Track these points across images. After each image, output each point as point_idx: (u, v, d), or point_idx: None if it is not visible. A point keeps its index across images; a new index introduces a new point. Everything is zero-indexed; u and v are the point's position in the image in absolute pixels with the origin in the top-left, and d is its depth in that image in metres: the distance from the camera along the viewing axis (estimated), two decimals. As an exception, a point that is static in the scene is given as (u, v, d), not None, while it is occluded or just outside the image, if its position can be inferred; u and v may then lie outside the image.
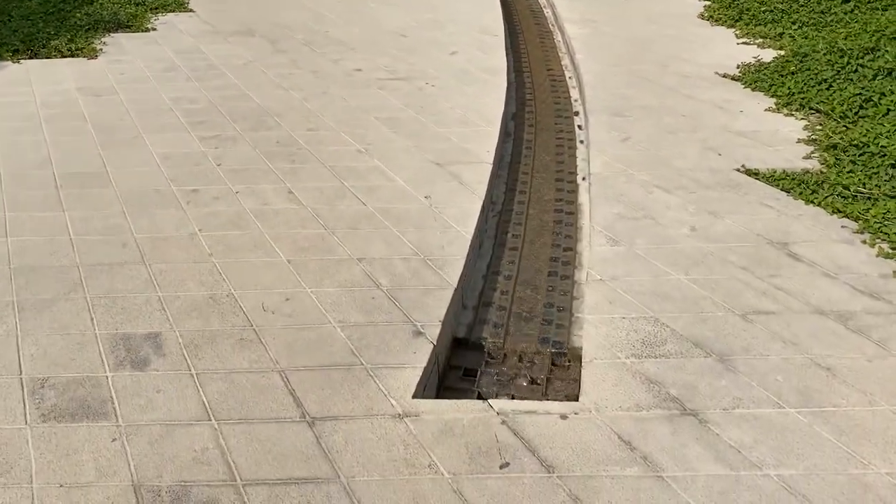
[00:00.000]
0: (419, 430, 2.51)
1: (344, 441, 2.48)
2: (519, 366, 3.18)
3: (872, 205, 3.68)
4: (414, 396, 2.67)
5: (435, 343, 2.94)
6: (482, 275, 3.78)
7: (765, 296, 3.13)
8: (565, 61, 6.97)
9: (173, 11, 8.26)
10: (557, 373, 3.13)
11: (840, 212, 3.70)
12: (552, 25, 8.12)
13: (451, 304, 3.21)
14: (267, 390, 2.72)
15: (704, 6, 7.62)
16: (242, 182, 4.33)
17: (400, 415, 2.58)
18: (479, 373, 3.13)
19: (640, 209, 3.91)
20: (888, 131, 4.17)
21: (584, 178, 4.69)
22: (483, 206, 4.07)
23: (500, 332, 3.35)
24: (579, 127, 5.52)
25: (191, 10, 8.31)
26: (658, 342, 2.89)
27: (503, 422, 2.54)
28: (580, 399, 2.63)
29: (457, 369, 3.18)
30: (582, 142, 5.26)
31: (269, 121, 5.20)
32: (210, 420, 2.60)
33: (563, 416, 2.55)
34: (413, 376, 2.75)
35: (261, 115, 5.31)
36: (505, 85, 5.80)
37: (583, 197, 4.46)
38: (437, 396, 2.97)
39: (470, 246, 3.65)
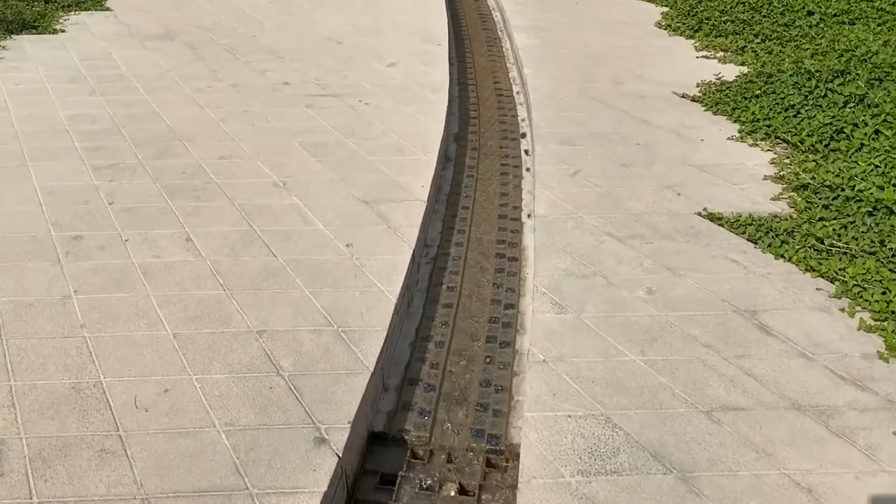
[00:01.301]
0: (309, 592, 1.99)
1: None
2: (448, 467, 2.67)
3: (850, 262, 3.26)
4: (307, 538, 2.14)
5: (340, 455, 2.41)
6: (409, 341, 3.26)
7: (733, 385, 2.67)
8: (513, 73, 6.47)
9: (88, 10, 7.53)
10: (493, 477, 2.63)
11: (814, 270, 3.27)
12: (501, 31, 7.61)
13: (365, 394, 2.68)
14: (124, 528, 2.16)
15: (662, 14, 7.18)
16: (135, 226, 3.73)
17: (287, 567, 2.05)
18: (398, 480, 2.61)
19: (590, 263, 3.43)
20: (863, 171, 3.76)
21: (529, 216, 4.20)
22: (413, 256, 3.55)
23: (426, 421, 2.84)
24: (526, 152, 5.02)
25: (108, 9, 7.59)
26: (609, 452, 2.40)
27: (416, 576, 2.03)
28: (513, 538, 2.14)
29: (372, 475, 2.65)
30: (528, 169, 4.76)
31: (178, 146, 4.59)
32: (44, 576, 2.04)
33: (492, 566, 2.05)
34: (309, 506, 2.23)
35: (169, 138, 4.69)
36: (446, 105, 5.27)
37: (527, 238, 3.96)
38: (346, 514, 2.45)
39: (394, 311, 3.12)
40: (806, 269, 3.29)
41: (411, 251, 3.53)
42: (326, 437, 2.47)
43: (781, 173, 4.08)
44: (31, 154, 4.48)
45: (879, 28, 5.84)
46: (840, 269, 3.21)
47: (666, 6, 7.39)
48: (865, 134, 4.07)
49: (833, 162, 4.00)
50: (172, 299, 3.17)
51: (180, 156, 4.47)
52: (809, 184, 3.83)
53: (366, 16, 7.46)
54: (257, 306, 3.12)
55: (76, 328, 3.00)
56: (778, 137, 4.44)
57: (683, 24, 6.71)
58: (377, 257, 3.47)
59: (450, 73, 6.05)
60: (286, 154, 4.50)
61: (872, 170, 3.75)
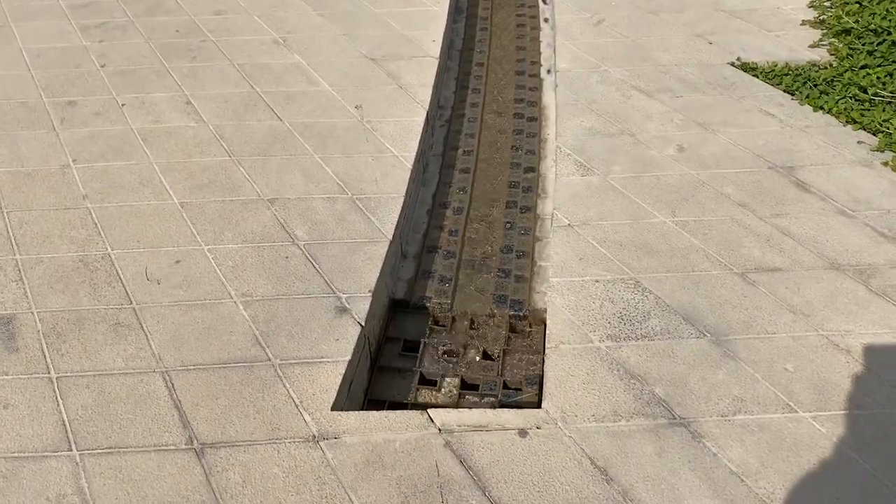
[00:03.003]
0: (339, 461, 1.96)
1: (242, 480, 1.93)
2: (470, 334, 2.61)
3: (895, 113, 3.05)
4: (334, 408, 2.10)
5: (363, 325, 2.34)
6: (427, 209, 3.12)
7: (769, 245, 2.55)
8: (527, -87, 5.93)
9: None
10: (516, 343, 2.57)
11: (855, 122, 3.06)
12: None
13: (385, 262, 2.57)
14: (146, 402, 2.12)
15: None
16: (131, 89, 3.51)
17: (315, 437, 2.02)
18: (421, 346, 2.56)
19: (617, 120, 3.22)
20: (913, 13, 3.46)
21: (549, 72, 3.94)
22: (427, 118, 3.35)
23: (447, 288, 2.75)
24: (543, 1, 4.67)
25: None
26: (639, 316, 2.32)
27: (447, 444, 1.99)
28: (543, 404, 2.09)
29: (395, 342, 2.60)
30: (546, 20, 4.44)
31: (169, 2, 4.26)
32: (71, 450, 2.01)
33: (523, 433, 2.01)
34: (334, 376, 2.17)
35: (158, -7, 4.36)
36: (455, -52, 4.85)
37: (547, 96, 3.73)
38: (370, 381, 2.42)
39: (410, 177, 2.96)
40: (847, 121, 3.09)
41: (425, 113, 3.32)
42: (348, 306, 2.38)
43: (821, 18, 3.77)
44: (12, 14, 4.18)
45: None
46: (884, 121, 3.01)
47: None
48: (916, -29, 3.72)
49: (879, 3, 3.67)
50: (176, 167, 3.01)
51: (172, 12, 4.16)
52: (853, 28, 3.54)
53: None
54: (266, 173, 2.96)
55: (78, 199, 2.87)
56: (818, -23, 4.08)
57: None
58: (389, 119, 3.27)
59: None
60: (284, 7, 4.18)
61: (923, 11, 3.45)
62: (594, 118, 3.24)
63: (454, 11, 4.51)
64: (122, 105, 3.39)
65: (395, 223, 2.73)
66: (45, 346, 2.30)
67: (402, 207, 2.83)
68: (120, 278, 2.52)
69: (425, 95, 3.44)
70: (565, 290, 2.43)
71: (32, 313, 2.41)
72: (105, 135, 3.20)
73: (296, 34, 3.92)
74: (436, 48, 3.80)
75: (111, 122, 3.29)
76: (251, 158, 3.04)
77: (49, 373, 2.22)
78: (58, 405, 2.12)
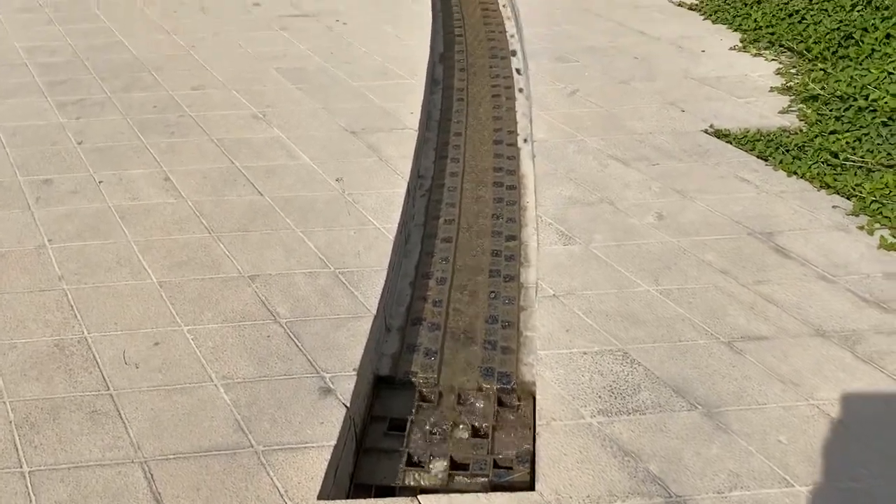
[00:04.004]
0: (327, 554, 1.88)
1: (225, 578, 1.84)
2: (458, 409, 2.56)
3: (866, 177, 3.11)
4: (320, 496, 2.02)
5: (348, 406, 2.28)
6: (410, 280, 3.10)
7: (753, 312, 2.56)
8: (498, -15, 6.11)
9: (36, -70, 6.97)
10: (505, 417, 2.52)
11: (829, 187, 3.12)
12: (482, -60, 7.17)
13: (369, 338, 2.54)
14: (124, 495, 2.03)
15: (651, -84, 6.78)
16: (108, 166, 3.49)
17: (301, 528, 1.94)
18: (408, 424, 2.50)
19: (596, 189, 3.25)
20: (876, 79, 3.57)
21: (525, 141, 4.00)
22: (408, 189, 3.36)
23: (433, 362, 2.71)
24: (517, 71, 4.77)
25: (58, -71, 7.03)
26: (630, 389, 2.29)
27: (438, 532, 1.93)
28: (537, 486, 2.03)
29: (380, 421, 2.54)
30: (521, 90, 4.53)
31: (146, 77, 4.29)
32: (43, 551, 1.91)
33: (516, 517, 1.95)
34: (319, 462, 2.10)
35: (136, 69, 4.38)
36: (430, 21, 4.97)
37: (525, 165, 3.77)
38: (356, 464, 2.34)
39: (393, 249, 2.95)
40: (821, 186, 3.15)
41: (406, 184, 3.33)
42: (332, 386, 2.33)
43: (788, 84, 3.89)
44: (-12, 92, 4.17)
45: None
46: (857, 185, 3.07)
47: None
48: (876, 39, 3.86)
49: (843, 70, 3.80)
50: (155, 245, 2.97)
51: (150, 88, 4.18)
52: (819, 94, 3.65)
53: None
54: (247, 249, 2.93)
55: (54, 280, 2.81)
56: (782, 45, 4.23)
57: (675, -74, 6.33)
58: (370, 192, 3.28)
59: (430, -12, 5.71)
60: (263, 82, 4.22)
61: (886, 77, 3.56)
62: (573, 187, 3.27)
63: (431, 83, 4.59)
64: (100, 182, 3.37)
65: (378, 297, 2.70)
66: (17, 437, 2.21)
67: (386, 280, 2.80)
68: (97, 363, 2.45)
69: (405, 167, 3.46)
70: (554, 363, 2.41)
71: (4, 402, 2.32)
72: (82, 213, 3.17)
73: (275, 108, 3.94)
74: (414, 120, 3.85)
75: (88, 200, 3.25)
76: (231, 234, 3.02)
77: (21, 467, 2.12)
78: (30, 503, 2.03)
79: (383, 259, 2.88)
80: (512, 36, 5.22)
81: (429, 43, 4.70)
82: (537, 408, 2.27)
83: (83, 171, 3.46)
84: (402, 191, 3.29)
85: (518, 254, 3.22)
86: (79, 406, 2.30)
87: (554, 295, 2.69)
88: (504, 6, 5.70)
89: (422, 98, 4.07)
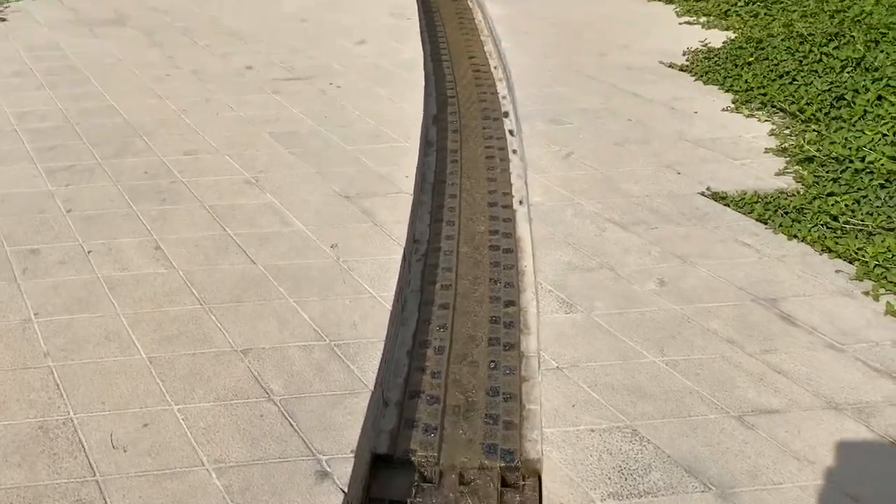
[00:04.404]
0: None
1: None
2: (460, 489, 2.46)
3: (867, 240, 3.09)
4: None
5: (346, 491, 2.18)
6: (407, 349, 3.02)
7: (762, 384, 2.49)
8: (489, 46, 6.18)
9: (30, -5, 7.04)
10: (510, 499, 2.42)
11: (831, 251, 3.09)
12: (471, 2, 7.29)
13: (366, 416, 2.44)
14: None
15: (637, -22, 6.93)
16: (97, 235, 3.42)
17: None
18: (408, 507, 2.39)
19: (595, 254, 3.21)
20: (871, 141, 3.58)
21: (521, 203, 3.97)
22: (404, 255, 3.30)
23: (433, 439, 2.61)
24: (510, 132, 4.77)
25: (51, -7, 7.11)
26: (640, 469, 2.20)
27: None
28: (547, 578, 1.93)
29: (378, 503, 2.43)
30: (515, 151, 4.52)
31: (137, 143, 4.25)
32: None
33: None
34: (316, 554, 1.99)
35: (127, 134, 4.35)
36: (423, 84, 4.99)
37: (522, 228, 3.73)
38: (354, 552, 2.23)
39: (390, 319, 2.88)
40: (822, 250, 3.11)
41: (402, 250, 3.28)
42: (329, 469, 2.23)
43: (783, 145, 3.89)
44: (-24, 158, 4.12)
45: (867, -14, 5.66)
46: (858, 249, 3.04)
47: (641, -30, 7.12)
48: (868, 100, 3.89)
49: (836, 131, 3.81)
50: (145, 318, 2.88)
51: (141, 153, 4.14)
52: (815, 156, 3.65)
53: (329, -9, 7.09)
54: (239, 321, 2.85)
55: (39, 357, 2.71)
56: (774, 106, 4.25)
57: (661, -12, 6.47)
58: (365, 259, 3.22)
59: (423, 48, 5.76)
60: (256, 146, 4.20)
61: (881, 139, 3.57)
62: (572, 252, 3.23)
63: (424, 145, 4.58)
64: (89, 252, 3.29)
65: (375, 371, 2.61)
66: (-5, 530, 2.09)
67: (383, 353, 2.72)
68: (83, 446, 2.33)
69: (401, 232, 3.41)
70: (561, 441, 2.32)
71: (-17, 492, 2.20)
72: (69, 285, 3.08)
73: (268, 173, 3.91)
74: (409, 184, 3.81)
75: (76, 271, 3.17)
76: (223, 306, 2.93)
77: (-1, 564, 2.00)
78: None
79: (380, 330, 2.80)
80: (504, 97, 5.25)
81: (422, 105, 4.71)
82: (545, 492, 2.18)
83: (71, 241, 3.38)
84: (398, 257, 3.24)
85: (518, 320, 3.15)
86: (63, 494, 2.18)
87: (557, 367, 2.61)
88: (495, 68, 5.75)
89: (416, 161, 4.04)
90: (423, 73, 5.17)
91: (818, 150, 3.68)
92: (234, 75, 5.15)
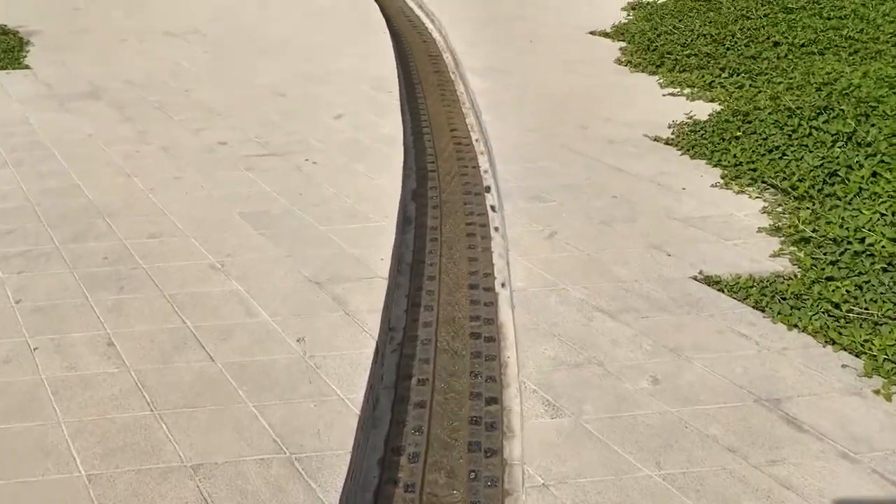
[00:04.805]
0: None
1: None
2: None
3: (874, 330, 2.88)
4: None
5: None
6: (378, 457, 2.75)
7: (770, 502, 2.23)
8: (470, 119, 6.06)
9: (5, 69, 6.91)
10: None
11: (835, 343, 2.87)
12: (453, 74, 7.22)
13: (328, 546, 2.16)
14: None
15: (621, 49, 6.89)
16: (47, 329, 3.16)
17: None
18: None
19: (582, 347, 2.98)
20: (869, 220, 3.41)
21: (503, 285, 3.75)
22: (377, 348, 3.06)
23: (404, 567, 2.33)
24: (492, 208, 4.59)
25: (27, 67, 6.98)
26: None
27: None
28: None
29: None
30: (497, 228, 4.33)
31: (100, 224, 4.03)
32: None
33: None
34: None
35: (90, 215, 4.13)
36: (402, 160, 4.82)
37: (504, 313, 3.51)
38: None
39: (358, 426, 2.62)
40: (826, 341, 2.90)
41: (374, 344, 3.04)
42: None
43: (777, 224, 3.71)
44: (-74, 243, 3.88)
45: (852, 58, 5.61)
46: (865, 340, 2.82)
47: (623, 41, 7.11)
48: (862, 177, 3.73)
49: (832, 209, 3.65)
50: (88, 427, 2.61)
51: (103, 236, 3.92)
52: (811, 237, 3.47)
53: (310, 62, 7.01)
54: (192, 430, 2.58)
55: (-35, 476, 2.42)
56: (765, 182, 4.10)
57: (644, 59, 6.41)
58: (334, 354, 2.97)
59: (403, 122, 5.63)
60: (224, 228, 3.98)
61: (879, 218, 3.40)
62: (557, 345, 3.00)
63: (403, 223, 4.39)
64: (35, 349, 3.03)
65: (339, 490, 2.34)
66: None
67: (350, 466, 2.45)
68: (0, 590, 2.04)
69: (374, 322, 3.18)
70: (545, 577, 2.04)
71: None
72: (10, 389, 2.81)
73: (235, 257, 3.68)
74: (385, 267, 3.60)
75: (20, 372, 2.90)
76: (176, 412, 2.67)
77: None
78: None
79: (347, 439, 2.54)
80: (486, 171, 5.09)
81: (400, 181, 4.53)
82: None
83: (18, 336, 3.12)
84: (370, 351, 2.99)
85: (500, 421, 2.89)
86: None
87: (544, 484, 2.35)
88: (477, 140, 5.61)
89: (393, 242, 3.84)
90: (402, 147, 5.02)
91: (814, 230, 3.50)
92: (206, 151, 4.97)
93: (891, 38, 5.92)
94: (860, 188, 3.69)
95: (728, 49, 6.12)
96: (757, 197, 4.04)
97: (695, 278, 3.37)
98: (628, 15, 8.08)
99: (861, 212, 3.48)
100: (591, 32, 7.58)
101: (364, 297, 3.36)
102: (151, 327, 3.16)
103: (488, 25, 8.30)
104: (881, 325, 2.91)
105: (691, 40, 6.41)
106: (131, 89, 6.28)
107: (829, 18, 6.53)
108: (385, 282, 3.49)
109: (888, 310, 2.94)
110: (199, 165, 4.76)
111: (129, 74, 6.70)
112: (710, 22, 6.81)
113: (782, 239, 3.60)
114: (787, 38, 6.07)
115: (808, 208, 3.74)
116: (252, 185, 4.49)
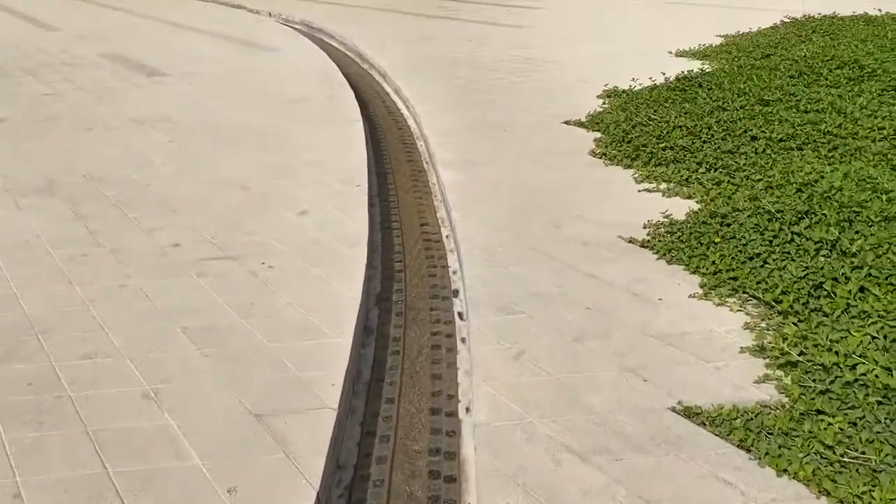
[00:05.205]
0: None
1: None
2: None
3: (872, 479, 2.57)
4: None
5: None
6: None
7: None
8: (441, 213, 5.84)
9: (-39, 161, 6.68)
10: None
11: (829, 494, 2.56)
12: (426, 163, 7.06)
13: None
14: None
15: (595, 140, 6.75)
16: (-53, 478, 2.81)
17: None
18: None
19: (549, 499, 2.65)
20: (859, 344, 3.15)
21: (467, 410, 3.44)
22: (318, 499, 2.72)
23: None
24: (460, 315, 4.31)
25: (-16, 159, 6.76)
26: None
27: None
28: None
29: None
30: (463, 340, 4.04)
31: (30, 343, 3.70)
32: None
33: None
34: None
35: (21, 332, 3.80)
36: (364, 264, 4.55)
37: (467, 447, 3.18)
38: None
39: None
40: (819, 492, 2.58)
41: (315, 495, 2.70)
42: None
43: (760, 343, 3.44)
44: None
45: (831, 154, 5.47)
46: (863, 492, 2.52)
47: (598, 131, 6.99)
48: (849, 292, 3.49)
49: (818, 327, 3.39)
50: None
51: (31, 357, 3.59)
52: (798, 361, 3.20)
53: (279, 153, 6.82)
54: None
55: None
56: (746, 292, 3.85)
57: (619, 151, 6.26)
58: (269, 507, 2.63)
59: (371, 216, 5.40)
60: (165, 346, 3.66)
61: (870, 342, 3.14)
62: (521, 497, 2.66)
63: (362, 334, 4.09)
64: (-72, 504, 2.67)
65: None
66: None
67: None
68: None
69: (317, 467, 2.84)
70: None
71: None
72: None
73: (171, 383, 3.36)
74: (335, 395, 3.28)
75: None
76: (77, 590, 2.31)
77: None
78: None
79: None
80: (454, 272, 4.83)
81: (360, 288, 4.26)
82: None
83: (-88, 486, 2.77)
84: (311, 504, 2.65)
85: (456, 587, 2.54)
86: None
87: None
88: (447, 237, 5.38)
89: (346, 363, 3.53)
90: (365, 249, 4.76)
91: (801, 352, 3.23)
92: (157, 255, 4.69)
93: (870, 133, 5.81)
94: (848, 304, 3.45)
95: (704, 142, 5.98)
96: (738, 310, 3.78)
97: (673, 409, 3.08)
98: (604, 103, 8.01)
99: (850, 333, 3.22)
100: (566, 122, 7.47)
101: (309, 432, 3.03)
102: (67, 473, 2.81)
103: (463, 113, 8.20)
104: (880, 472, 2.60)
105: (667, 132, 6.28)
106: (89, 184, 6.03)
107: (805, 112, 6.43)
108: (334, 413, 3.17)
109: (887, 454, 2.65)
110: (147, 271, 4.47)
111: (91, 166, 6.46)
112: (686, 113, 6.70)
113: (767, 361, 3.33)
114: (764, 132, 5.94)
115: (793, 324, 3.48)
116: (201, 294, 4.19)
